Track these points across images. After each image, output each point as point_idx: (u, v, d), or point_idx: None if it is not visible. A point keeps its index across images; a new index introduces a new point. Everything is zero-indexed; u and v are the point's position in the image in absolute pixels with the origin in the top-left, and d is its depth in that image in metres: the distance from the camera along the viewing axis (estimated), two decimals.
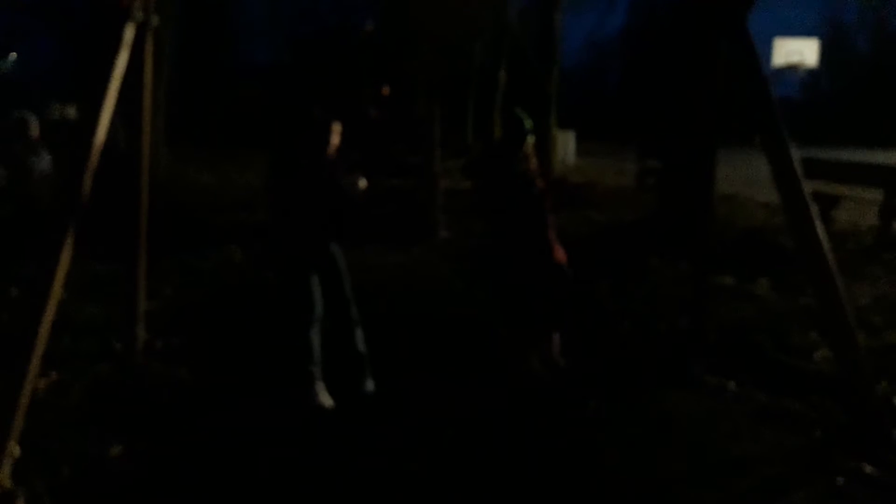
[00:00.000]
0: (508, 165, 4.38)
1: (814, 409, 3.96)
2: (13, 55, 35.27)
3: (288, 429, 3.68)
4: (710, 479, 3.32)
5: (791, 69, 25.23)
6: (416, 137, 10.36)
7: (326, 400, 3.96)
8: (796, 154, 3.72)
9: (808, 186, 3.71)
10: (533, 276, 4.33)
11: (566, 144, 20.21)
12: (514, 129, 4.45)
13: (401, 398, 4.11)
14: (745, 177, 13.21)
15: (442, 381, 4.37)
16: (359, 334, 4.20)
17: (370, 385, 4.16)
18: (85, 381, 4.13)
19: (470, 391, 4.21)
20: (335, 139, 4.03)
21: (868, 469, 3.32)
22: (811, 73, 33.68)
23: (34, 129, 7.30)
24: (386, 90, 18.67)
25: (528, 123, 4.40)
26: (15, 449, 3.07)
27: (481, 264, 4.82)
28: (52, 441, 3.37)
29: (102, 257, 5.93)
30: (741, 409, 4.03)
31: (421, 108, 9.64)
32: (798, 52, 25.13)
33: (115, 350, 4.53)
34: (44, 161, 8.06)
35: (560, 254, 4.39)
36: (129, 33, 3.72)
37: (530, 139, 4.40)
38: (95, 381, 4.15)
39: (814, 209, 3.68)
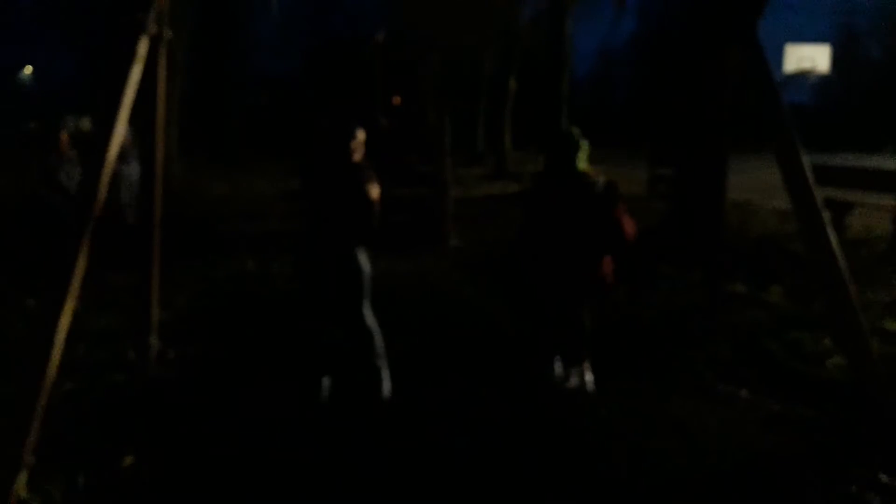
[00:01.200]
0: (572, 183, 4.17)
1: (827, 417, 3.93)
2: (29, 69, 35.72)
3: (301, 438, 3.70)
4: (722, 487, 3.30)
5: (803, 75, 25.13)
6: (427, 146, 10.39)
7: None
8: (808, 160, 3.71)
9: (820, 193, 3.70)
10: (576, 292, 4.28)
11: None
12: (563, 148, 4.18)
13: (413, 402, 4.12)
14: (756, 184, 13.16)
15: (452, 386, 4.37)
16: (378, 344, 4.21)
17: (387, 389, 4.19)
18: (99, 391, 4.17)
19: (482, 396, 4.21)
20: (360, 147, 4.08)
21: (883, 477, 3.30)
22: (823, 80, 33.54)
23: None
24: (397, 99, 18.77)
25: (584, 145, 4.17)
26: (30, 458, 3.10)
27: (515, 269, 4.74)
28: (66, 450, 3.40)
29: (116, 267, 5.99)
30: (754, 417, 4.01)
31: (431, 116, 9.67)
32: (810, 58, 25.03)
33: (128, 359, 4.57)
34: (133, 169, 7.76)
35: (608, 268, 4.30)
36: (142, 46, 3.76)
37: (583, 155, 4.17)
38: (110, 391, 4.19)
39: (826, 216, 3.67)
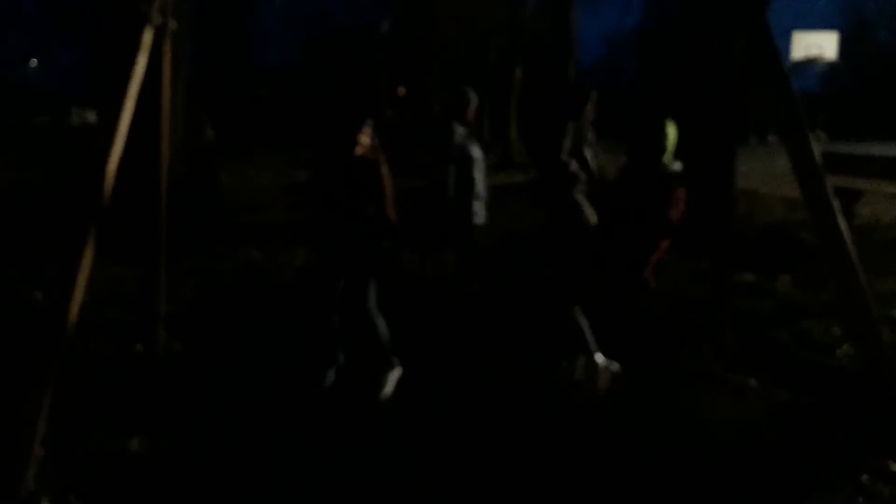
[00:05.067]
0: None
1: (837, 406, 3.91)
2: (33, 61, 35.76)
3: (307, 428, 3.70)
4: (732, 477, 3.28)
5: (810, 63, 24.96)
6: (433, 137, 10.35)
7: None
8: (817, 148, 3.67)
9: (829, 181, 3.66)
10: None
11: None
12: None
13: (421, 397, 4.11)
14: (764, 172, 13.09)
15: (461, 380, 4.36)
16: (383, 332, 4.21)
17: (389, 389, 4.17)
18: (107, 383, 4.17)
19: (490, 390, 4.20)
20: (366, 139, 4.09)
21: (893, 466, 3.28)
22: (831, 67, 33.31)
23: (471, 109, 5.49)
24: (402, 90, 18.69)
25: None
26: (39, 450, 3.10)
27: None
28: (74, 442, 3.40)
29: (123, 259, 5.98)
30: (763, 407, 3.99)
31: (436, 107, 9.63)
32: (817, 45, 24.87)
33: (135, 352, 4.57)
34: (476, 152, 5.51)
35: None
36: (147, 37, 3.75)
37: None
38: (117, 383, 4.19)
39: (836, 204, 3.63)
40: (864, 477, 3.23)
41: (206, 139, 8.14)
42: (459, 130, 5.20)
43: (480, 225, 5.18)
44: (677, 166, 4.17)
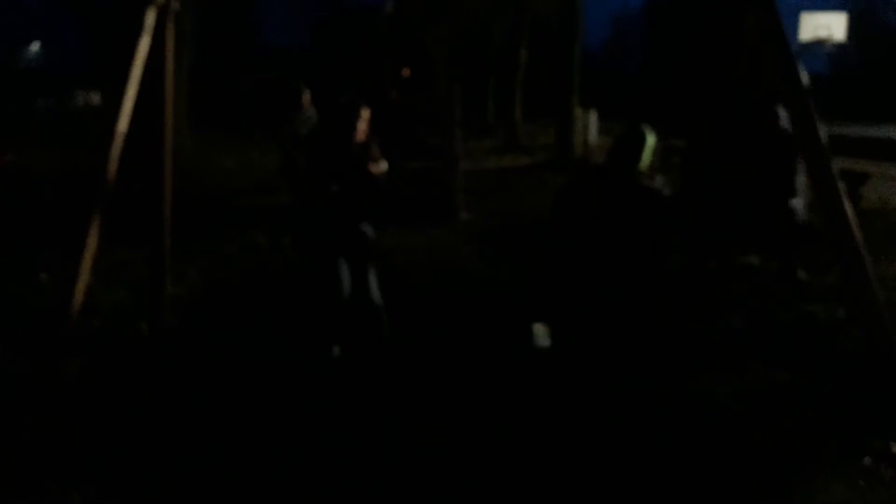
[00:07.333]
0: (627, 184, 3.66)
1: (840, 388, 3.92)
2: (37, 43, 35.62)
3: (310, 412, 3.72)
4: (733, 457, 3.30)
5: (819, 44, 24.71)
6: (437, 118, 10.32)
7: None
8: (824, 131, 3.65)
9: (835, 163, 3.64)
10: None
11: (589, 124, 20.01)
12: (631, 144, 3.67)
13: (423, 380, 4.13)
14: None
15: (462, 361, 4.37)
16: (382, 316, 4.25)
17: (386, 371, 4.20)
18: (112, 365, 4.20)
19: (493, 372, 4.21)
20: (363, 124, 4.08)
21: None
22: (840, 48, 32.94)
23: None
24: (406, 71, 18.64)
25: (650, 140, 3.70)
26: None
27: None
28: (80, 422, 3.43)
29: (128, 242, 6.01)
30: (766, 388, 4.00)
31: (441, 88, 9.58)
32: (826, 26, 24.57)
33: (141, 333, 4.59)
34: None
35: None
36: (150, 18, 3.73)
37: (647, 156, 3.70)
38: (122, 364, 4.22)
39: (842, 187, 3.62)
40: (867, 459, 3.24)
41: (306, 115, 8.27)
42: (783, 114, 4.55)
43: (804, 223, 4.45)
44: (659, 182, 3.66)
